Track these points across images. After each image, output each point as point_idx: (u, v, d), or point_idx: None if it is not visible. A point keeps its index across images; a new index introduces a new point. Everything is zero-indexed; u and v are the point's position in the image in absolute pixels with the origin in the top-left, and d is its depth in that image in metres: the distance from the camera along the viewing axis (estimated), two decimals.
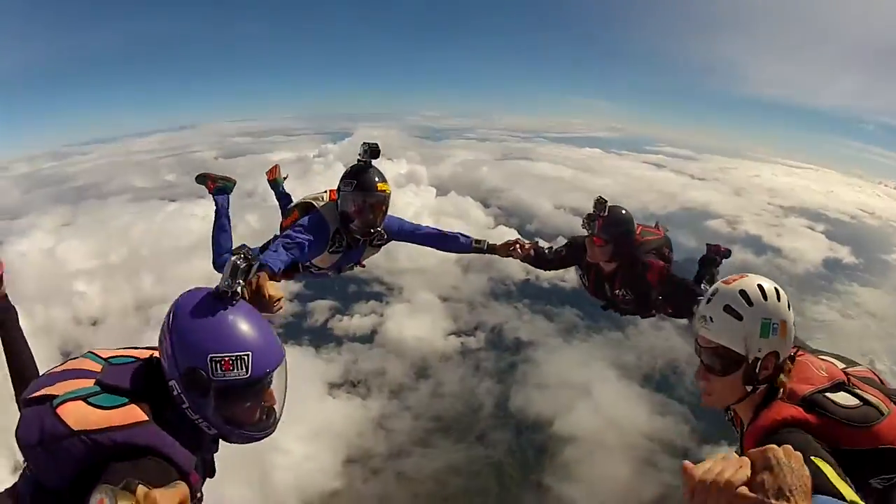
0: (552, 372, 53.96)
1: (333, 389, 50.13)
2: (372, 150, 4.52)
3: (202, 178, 5.78)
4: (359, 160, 4.57)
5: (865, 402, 2.46)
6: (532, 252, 5.62)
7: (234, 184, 5.84)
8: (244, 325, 2.21)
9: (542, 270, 6.07)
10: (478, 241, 5.45)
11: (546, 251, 5.84)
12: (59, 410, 1.99)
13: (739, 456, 1.78)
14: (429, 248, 5.50)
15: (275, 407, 2.42)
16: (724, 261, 5.61)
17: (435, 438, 47.03)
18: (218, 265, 5.35)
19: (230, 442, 2.41)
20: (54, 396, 2.06)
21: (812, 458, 2.01)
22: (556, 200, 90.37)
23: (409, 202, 76.93)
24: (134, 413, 2.06)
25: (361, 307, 59.08)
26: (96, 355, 2.34)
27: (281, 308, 3.17)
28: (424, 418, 48.45)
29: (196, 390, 2.17)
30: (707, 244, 5.67)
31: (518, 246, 5.50)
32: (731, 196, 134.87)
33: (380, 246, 5.18)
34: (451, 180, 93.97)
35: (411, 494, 42.88)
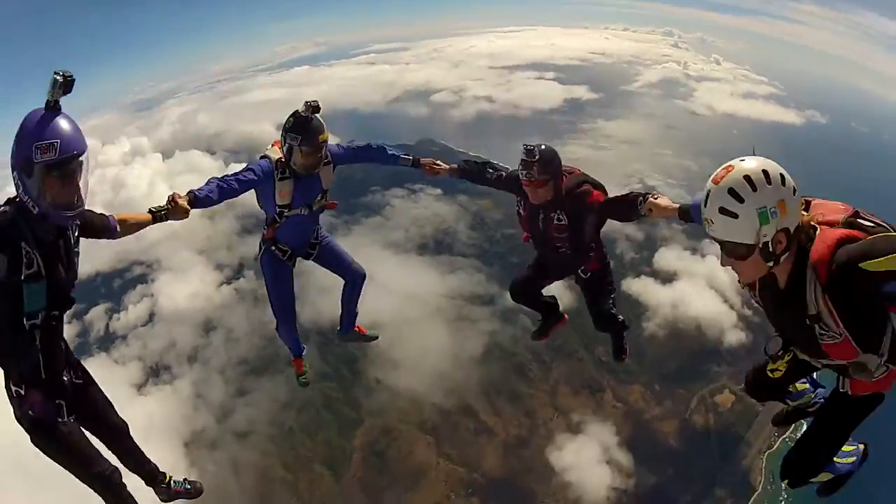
0: (327, 273, 52.74)
1: (142, 388, 47.89)
2: (313, 107, 4.91)
3: None
4: (300, 114, 4.94)
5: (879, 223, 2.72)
6: (455, 169, 5.94)
7: None
8: (59, 123, 2.98)
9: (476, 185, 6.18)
10: (406, 156, 5.79)
11: (478, 166, 6.01)
12: None
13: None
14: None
15: (80, 195, 3.14)
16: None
17: (249, 382, 46.22)
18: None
19: (53, 222, 3.14)
20: None
21: None
22: (277, 122, 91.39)
23: (139, 175, 75.17)
24: None
25: (132, 297, 56.46)
26: None
27: (186, 215, 4.50)
28: (230, 367, 47.79)
29: (26, 173, 2.96)
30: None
31: (437, 166, 5.86)
32: (450, 70, 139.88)
33: (329, 164, 5.38)
34: (174, 140, 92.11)
35: (259, 451, 42.83)
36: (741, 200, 2.62)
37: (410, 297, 49.20)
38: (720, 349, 50.09)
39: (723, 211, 2.66)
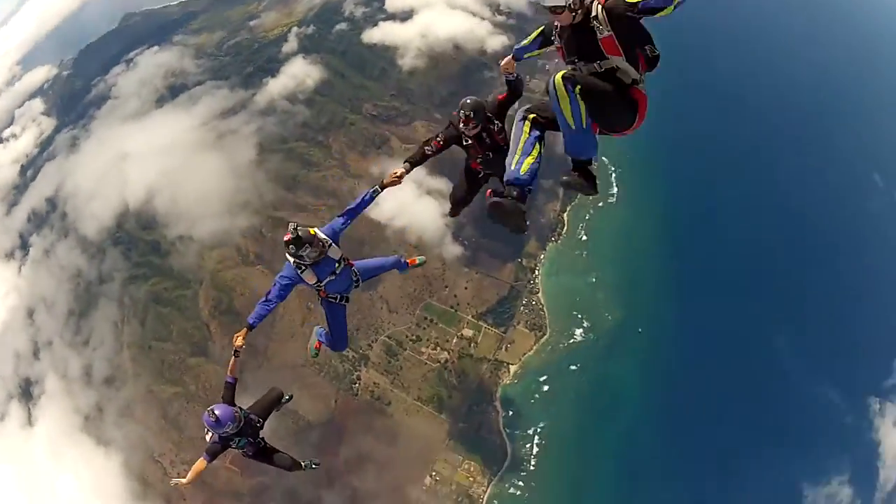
0: None
1: None
2: (291, 240, 6.50)
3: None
4: (287, 243, 6.61)
5: None
6: (408, 168, 7.00)
7: None
8: (215, 415, 6.98)
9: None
10: (372, 193, 7.05)
11: (417, 152, 7.10)
12: None
13: None
14: None
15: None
16: None
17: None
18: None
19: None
20: None
21: None
22: None
23: None
24: None
25: None
26: None
27: (240, 350, 6.94)
28: None
29: None
30: None
31: (395, 176, 6.96)
32: None
33: (330, 246, 7.00)
34: None
35: None
36: None
37: (169, 150, 49.32)
38: (484, 59, 50.13)
39: None
